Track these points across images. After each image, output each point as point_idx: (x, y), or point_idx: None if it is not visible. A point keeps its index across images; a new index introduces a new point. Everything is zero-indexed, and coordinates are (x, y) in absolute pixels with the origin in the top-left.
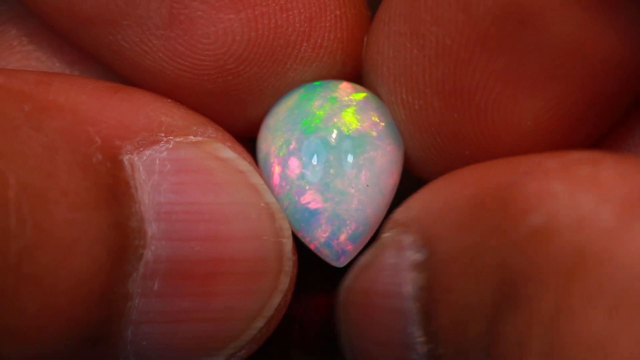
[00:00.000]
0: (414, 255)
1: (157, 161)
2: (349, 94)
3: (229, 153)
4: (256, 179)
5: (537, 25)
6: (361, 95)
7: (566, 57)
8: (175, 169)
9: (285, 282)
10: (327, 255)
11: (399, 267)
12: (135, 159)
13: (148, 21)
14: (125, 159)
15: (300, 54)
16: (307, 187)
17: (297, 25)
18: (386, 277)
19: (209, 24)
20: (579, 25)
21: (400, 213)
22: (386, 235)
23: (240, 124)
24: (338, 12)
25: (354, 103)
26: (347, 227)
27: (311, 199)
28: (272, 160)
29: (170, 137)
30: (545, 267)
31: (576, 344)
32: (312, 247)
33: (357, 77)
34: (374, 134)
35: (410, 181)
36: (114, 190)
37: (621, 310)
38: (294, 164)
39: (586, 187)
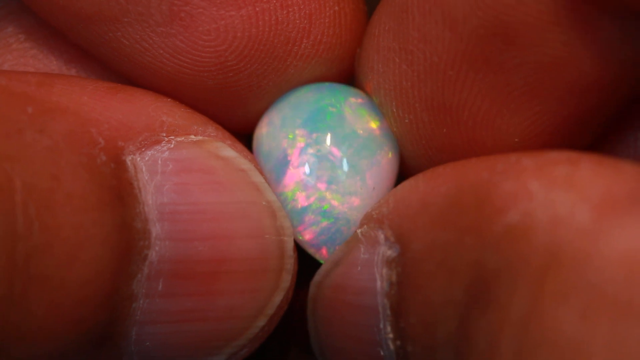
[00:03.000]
0: (387, 251)
1: (160, 161)
2: (361, 96)
3: (229, 152)
4: (257, 177)
5: (521, 44)
6: (374, 98)
7: (550, 76)
8: (177, 169)
9: (287, 280)
10: (325, 253)
11: (372, 263)
12: (138, 159)
13: (149, 18)
14: (128, 159)
15: (300, 51)
16: (314, 185)
17: (298, 21)
18: (359, 273)
19: (210, 20)
20: (563, 44)
21: (375, 209)
22: (360, 230)
23: (238, 120)
24: (337, 7)
25: (367, 105)
26: (350, 228)
27: (317, 197)
28: (278, 156)
29: (171, 137)
30: (518, 266)
31: (547, 346)
32: (311, 243)
33: (353, 74)
34: (383, 138)
35: None
36: (118, 192)
37: (594, 313)
38: (302, 161)
39: (562, 187)
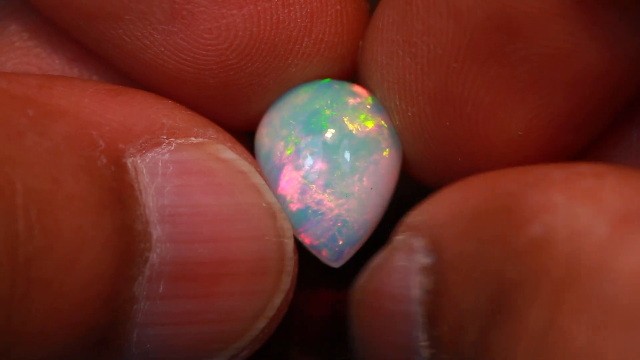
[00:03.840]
0: (422, 259)
1: (160, 163)
2: (358, 96)
3: (230, 154)
4: (257, 179)
5: (526, 36)
6: (370, 98)
7: (555, 68)
8: (177, 171)
9: (287, 282)
10: (325, 255)
11: (409, 270)
12: (139, 161)
13: (150, 16)
14: (129, 162)
15: (301, 49)
16: (311, 187)
17: (299, 20)
18: (396, 280)
19: (211, 19)
20: (568, 36)
21: (412, 216)
22: (398, 238)
23: (241, 118)
24: (339, 6)
25: (363, 106)
26: (348, 229)
27: (314, 199)
28: (276, 158)
29: (171, 139)
30: (539, 278)
31: (562, 358)
32: (310, 245)
33: (355, 72)
34: (380, 137)
35: (408, 184)
36: (119, 194)
37: (609, 326)
38: (299, 163)
39: (584, 200)
